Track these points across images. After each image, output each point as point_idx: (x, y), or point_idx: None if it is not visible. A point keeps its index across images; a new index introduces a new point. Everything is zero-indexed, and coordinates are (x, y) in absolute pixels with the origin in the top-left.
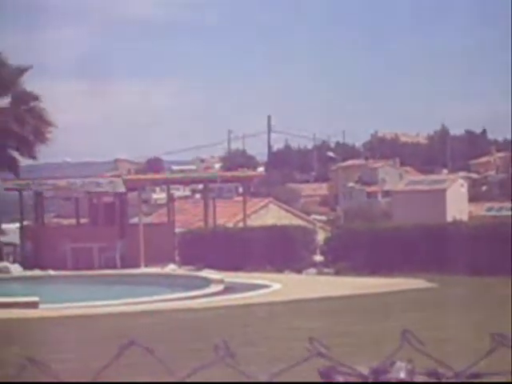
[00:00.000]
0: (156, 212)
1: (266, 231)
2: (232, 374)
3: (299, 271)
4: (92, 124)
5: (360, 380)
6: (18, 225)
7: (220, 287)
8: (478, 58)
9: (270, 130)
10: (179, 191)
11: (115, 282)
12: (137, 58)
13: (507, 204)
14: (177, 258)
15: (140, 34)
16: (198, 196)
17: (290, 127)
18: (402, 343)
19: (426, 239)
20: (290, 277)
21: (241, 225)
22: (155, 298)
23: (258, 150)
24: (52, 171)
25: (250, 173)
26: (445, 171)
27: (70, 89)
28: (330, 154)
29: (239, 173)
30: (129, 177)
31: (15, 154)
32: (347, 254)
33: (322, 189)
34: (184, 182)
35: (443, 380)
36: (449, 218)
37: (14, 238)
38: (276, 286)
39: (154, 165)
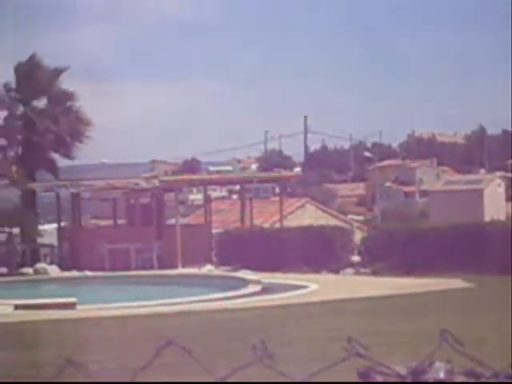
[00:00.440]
0: (193, 213)
1: (303, 231)
2: (270, 374)
3: (336, 271)
4: (129, 125)
5: (399, 380)
6: (55, 226)
7: (257, 288)
8: None
9: (306, 131)
10: (216, 192)
11: (152, 283)
12: (174, 59)
13: None
14: (214, 259)
15: (175, 34)
16: (234, 197)
17: (327, 127)
18: (441, 343)
19: (463, 239)
20: (326, 277)
21: (277, 225)
22: (192, 298)
23: (295, 151)
24: (89, 172)
25: (287, 173)
26: (482, 171)
27: (107, 89)
28: (367, 154)
29: (276, 173)
30: (166, 178)
31: (53, 155)
32: (384, 254)
33: (359, 189)
34: (221, 183)
35: (482, 380)
36: (486, 218)
37: (52, 240)
38: (313, 287)
39: (191, 166)
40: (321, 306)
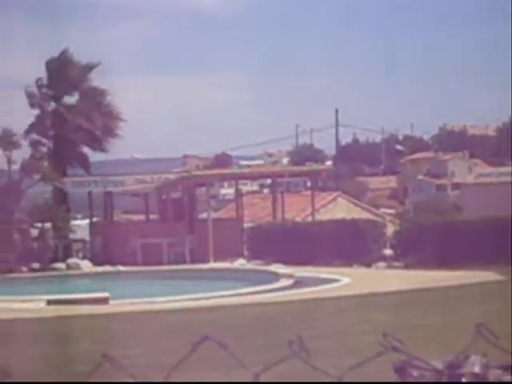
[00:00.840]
0: (224, 207)
1: (335, 225)
2: (304, 368)
3: (368, 265)
4: (160, 120)
5: (434, 374)
6: (87, 221)
7: (289, 282)
8: None
9: (337, 124)
10: (247, 186)
11: (184, 278)
12: (205, 52)
13: None
14: (246, 253)
15: (206, 27)
16: (266, 191)
17: (358, 121)
18: (476, 337)
19: (495, 232)
20: (359, 271)
21: (309, 219)
22: (224, 292)
23: (326, 145)
24: (121, 167)
25: (318, 167)
26: None
27: (137, 85)
28: (399, 147)
29: (307, 167)
30: (197, 173)
31: (85, 151)
32: (417, 247)
33: (391, 182)
34: (252, 177)
35: None
36: None
37: (84, 235)
38: (345, 280)
39: (222, 160)
40: (353, 299)
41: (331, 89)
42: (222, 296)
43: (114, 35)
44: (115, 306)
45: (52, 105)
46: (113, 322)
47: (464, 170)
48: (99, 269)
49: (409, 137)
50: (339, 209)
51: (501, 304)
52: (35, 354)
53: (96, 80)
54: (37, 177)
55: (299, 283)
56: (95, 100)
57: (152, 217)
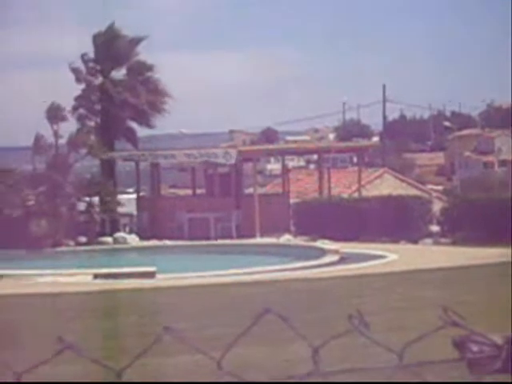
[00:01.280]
0: (271, 183)
1: (382, 201)
2: (364, 343)
3: (415, 241)
4: (207, 95)
5: (494, 349)
6: (134, 195)
7: (335, 257)
8: None
9: (384, 100)
10: (293, 162)
11: (231, 252)
12: (250, 28)
13: None
14: (292, 229)
15: (251, 3)
16: (312, 166)
17: (405, 97)
18: None
19: None
20: (405, 247)
21: (356, 195)
22: (270, 268)
23: (373, 120)
24: (168, 142)
25: (365, 143)
26: None
27: (184, 60)
28: (446, 123)
29: (354, 143)
30: (244, 148)
31: (133, 125)
32: (464, 223)
33: (439, 158)
34: (298, 153)
35: None
36: None
37: (131, 209)
38: (392, 257)
39: (269, 135)
40: (400, 275)
41: (379, 65)
42: (268, 271)
43: (161, 9)
44: (162, 280)
45: (99, 79)
46: (160, 295)
47: (511, 147)
48: (146, 243)
49: (456, 113)
50: (386, 185)
51: None
52: (82, 328)
53: (143, 55)
54: (84, 151)
55: (345, 259)
56: (142, 75)
57: (198, 191)
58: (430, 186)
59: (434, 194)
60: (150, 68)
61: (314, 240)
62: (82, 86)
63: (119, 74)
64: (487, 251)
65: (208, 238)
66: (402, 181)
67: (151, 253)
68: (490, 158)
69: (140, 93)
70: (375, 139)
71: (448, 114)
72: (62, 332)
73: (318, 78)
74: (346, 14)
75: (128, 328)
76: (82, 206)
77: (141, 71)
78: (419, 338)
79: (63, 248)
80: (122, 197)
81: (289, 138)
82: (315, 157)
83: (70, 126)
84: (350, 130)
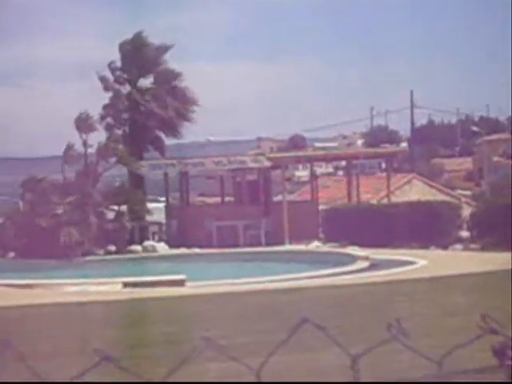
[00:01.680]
0: (299, 189)
1: (411, 207)
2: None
3: (445, 247)
4: (235, 103)
5: None
6: (163, 204)
7: (365, 264)
8: None
9: (412, 106)
10: (322, 168)
11: (260, 260)
12: (276, 37)
13: None
14: (321, 235)
15: (277, 14)
16: (340, 173)
17: (433, 102)
18: None
19: None
20: (435, 253)
21: (385, 201)
22: (300, 275)
23: (401, 126)
24: (196, 150)
25: (393, 149)
26: None
27: (213, 69)
28: (475, 128)
29: (382, 149)
30: (272, 155)
31: (160, 134)
32: (493, 229)
33: (467, 163)
34: (327, 159)
35: None
36: None
37: (160, 217)
38: (422, 262)
39: (297, 142)
40: (430, 282)
41: (406, 70)
42: (298, 278)
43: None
44: (192, 289)
45: (126, 88)
46: (190, 303)
47: None
48: (175, 251)
49: (484, 118)
50: (414, 190)
51: None
52: (112, 336)
53: (170, 64)
54: (113, 160)
55: (375, 266)
56: (170, 83)
57: (227, 199)
58: (459, 192)
59: (463, 200)
60: (177, 76)
61: (344, 246)
62: (110, 94)
63: (146, 82)
64: None
65: (237, 246)
66: (431, 186)
67: (181, 261)
68: None
69: (167, 102)
70: (403, 145)
71: (476, 118)
72: (93, 341)
73: (345, 84)
74: (372, 21)
75: (158, 336)
76: (111, 215)
77: (168, 79)
78: (460, 345)
79: (92, 257)
80: (150, 205)
81: (317, 144)
82: (343, 163)
83: (98, 136)
84: (378, 136)
